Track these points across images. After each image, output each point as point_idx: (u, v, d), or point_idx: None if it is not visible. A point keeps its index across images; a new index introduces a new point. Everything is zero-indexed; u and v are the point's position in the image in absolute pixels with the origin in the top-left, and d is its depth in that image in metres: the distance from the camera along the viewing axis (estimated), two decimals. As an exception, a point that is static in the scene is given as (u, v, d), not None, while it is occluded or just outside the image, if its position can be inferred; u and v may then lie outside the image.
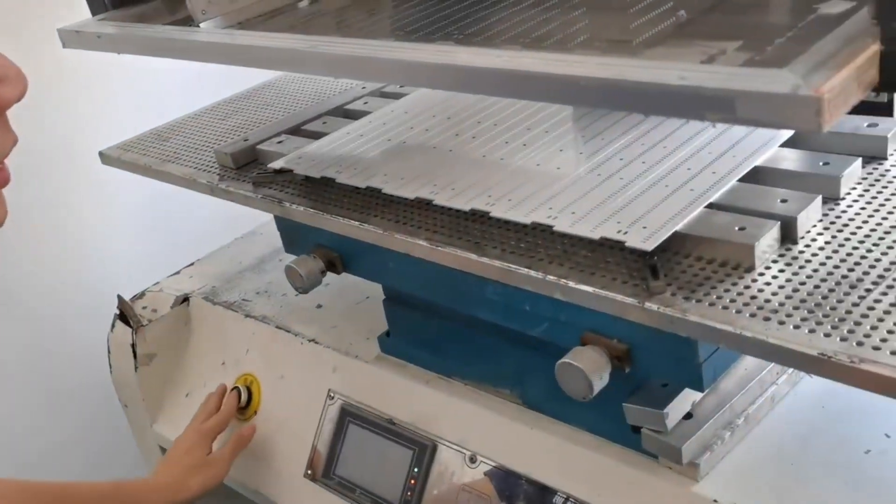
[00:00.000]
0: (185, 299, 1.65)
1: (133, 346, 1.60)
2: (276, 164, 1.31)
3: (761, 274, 0.87)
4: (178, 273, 1.74)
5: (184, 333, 1.64)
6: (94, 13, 1.39)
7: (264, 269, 1.69)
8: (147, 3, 1.38)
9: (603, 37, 0.99)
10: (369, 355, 1.36)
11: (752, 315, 0.82)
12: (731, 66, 0.70)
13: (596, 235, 0.95)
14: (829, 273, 0.86)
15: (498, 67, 0.83)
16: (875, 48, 0.65)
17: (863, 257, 0.87)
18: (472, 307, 1.12)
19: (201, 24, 1.30)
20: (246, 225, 1.82)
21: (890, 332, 0.76)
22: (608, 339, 0.95)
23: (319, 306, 1.52)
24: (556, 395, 0.98)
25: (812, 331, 0.78)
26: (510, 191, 1.08)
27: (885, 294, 0.81)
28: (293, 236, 1.33)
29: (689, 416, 1.00)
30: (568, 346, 0.97)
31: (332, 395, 1.36)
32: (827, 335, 0.77)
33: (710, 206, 0.97)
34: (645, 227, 0.94)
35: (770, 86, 0.64)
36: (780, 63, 0.66)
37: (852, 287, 0.83)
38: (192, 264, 1.77)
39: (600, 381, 0.92)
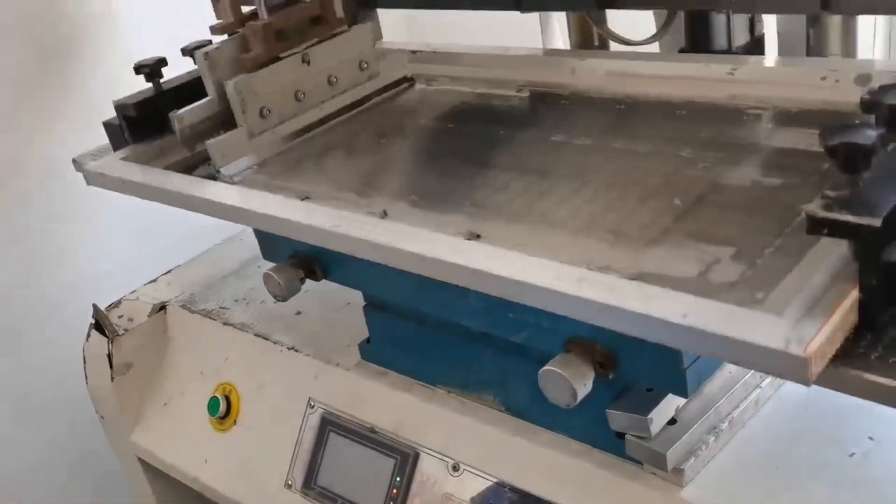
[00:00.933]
0: (162, 307, 1.62)
1: (109, 356, 1.57)
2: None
3: (745, 278, 0.87)
4: (155, 281, 1.72)
5: (161, 342, 1.62)
6: (115, 148, 1.43)
7: (245, 274, 1.67)
8: (165, 137, 1.40)
9: (606, 224, 1.02)
10: (350, 363, 1.34)
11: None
12: (729, 305, 0.75)
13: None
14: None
15: (509, 277, 0.87)
16: (855, 295, 0.72)
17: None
18: (455, 314, 1.11)
19: (222, 169, 1.34)
20: (230, 228, 1.78)
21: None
22: (592, 345, 0.93)
23: (299, 313, 1.50)
24: (539, 401, 0.97)
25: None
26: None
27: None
28: (270, 243, 1.31)
29: (673, 421, 0.99)
30: (551, 353, 0.96)
31: (312, 403, 1.34)
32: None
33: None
34: (627, 232, 0.93)
35: (764, 338, 0.70)
36: (775, 302, 0.75)
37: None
38: (169, 271, 1.74)
39: (584, 389, 0.91)
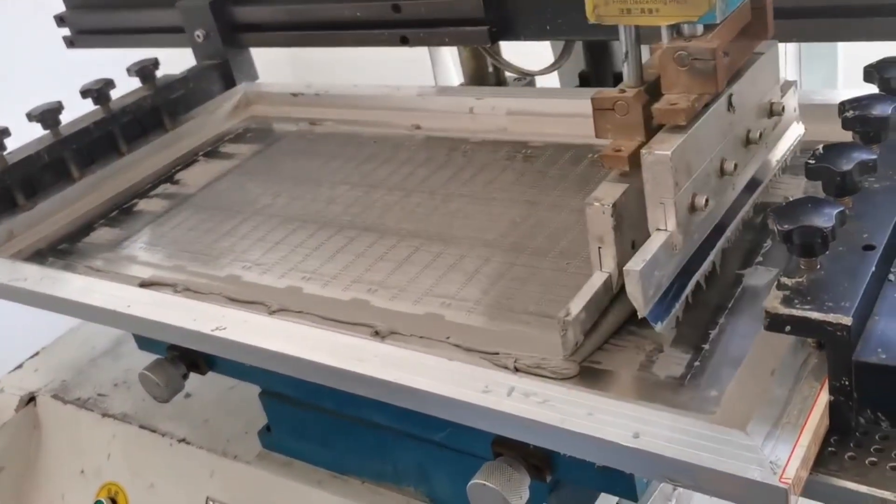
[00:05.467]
0: (31, 399, 1.44)
1: (-27, 461, 1.39)
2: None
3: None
4: (20, 367, 1.53)
5: (33, 439, 1.44)
6: None
7: (120, 353, 1.50)
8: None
9: (533, 306, 0.90)
10: (250, 454, 1.20)
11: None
12: (683, 417, 0.66)
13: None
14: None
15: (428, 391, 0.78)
16: (825, 399, 0.65)
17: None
18: (363, 412, 0.99)
19: None
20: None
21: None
22: (523, 446, 0.82)
23: (188, 395, 1.34)
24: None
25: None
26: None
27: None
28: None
29: (617, 510, 0.90)
30: (478, 452, 0.85)
31: (211, 503, 1.20)
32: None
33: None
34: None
35: (732, 464, 0.61)
36: (732, 407, 0.68)
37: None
38: (36, 354, 1.55)
39: (520, 500, 0.80)
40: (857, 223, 0.70)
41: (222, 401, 1.32)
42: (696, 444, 0.63)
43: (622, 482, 0.82)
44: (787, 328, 0.63)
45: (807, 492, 0.64)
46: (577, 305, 0.76)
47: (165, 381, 1.08)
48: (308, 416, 1.12)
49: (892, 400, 0.63)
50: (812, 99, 1.05)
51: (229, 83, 1.60)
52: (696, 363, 0.76)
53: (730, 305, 0.82)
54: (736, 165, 0.83)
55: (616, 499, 0.90)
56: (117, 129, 1.43)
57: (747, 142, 0.87)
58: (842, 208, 0.66)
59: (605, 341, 0.80)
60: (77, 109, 1.44)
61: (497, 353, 0.82)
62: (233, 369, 1.10)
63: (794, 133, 0.96)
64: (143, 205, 1.35)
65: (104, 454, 1.34)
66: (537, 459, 0.83)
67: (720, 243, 0.84)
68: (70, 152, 1.37)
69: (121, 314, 1.00)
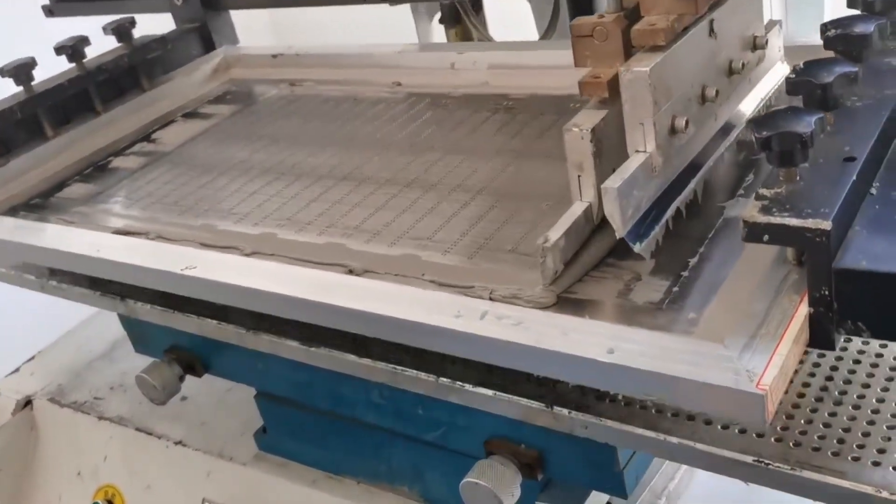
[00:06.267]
0: (28, 403, 1.45)
1: (-30, 464, 1.39)
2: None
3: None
4: (17, 371, 1.53)
5: (30, 442, 1.44)
6: None
7: (116, 357, 1.50)
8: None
9: (510, 244, 0.88)
10: (246, 455, 1.21)
11: (675, 414, 0.72)
12: (658, 334, 0.66)
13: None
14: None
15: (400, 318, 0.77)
16: (804, 311, 0.62)
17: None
18: (358, 411, 1.00)
19: None
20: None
21: (826, 425, 0.69)
22: (515, 446, 0.84)
23: (184, 398, 1.35)
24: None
25: (743, 431, 0.70)
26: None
27: (812, 376, 0.74)
28: (142, 336, 1.17)
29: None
30: (470, 451, 0.86)
31: (207, 504, 1.21)
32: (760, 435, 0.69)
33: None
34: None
35: (708, 373, 0.60)
36: (710, 325, 0.65)
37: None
38: (32, 358, 1.56)
39: (511, 499, 0.81)
40: (838, 138, 0.68)
41: (218, 403, 1.33)
42: (671, 357, 0.63)
43: (612, 479, 0.83)
44: (766, 237, 0.61)
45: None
46: (556, 232, 0.75)
47: (162, 383, 1.08)
48: (303, 417, 1.13)
49: (873, 308, 0.60)
50: (797, 41, 1.04)
51: (209, 47, 1.59)
52: (675, 289, 0.75)
53: (711, 235, 0.80)
54: (718, 92, 0.82)
55: (606, 497, 0.91)
56: (93, 87, 1.40)
57: (730, 72, 0.86)
58: (822, 115, 0.64)
59: (584, 274, 0.78)
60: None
61: (472, 287, 0.80)
62: (229, 371, 1.11)
63: (778, 73, 0.96)
64: (118, 162, 1.33)
65: (101, 456, 1.35)
66: (529, 458, 0.84)
67: (702, 172, 0.83)
68: (44, 109, 1.34)
69: (90, 258, 0.99)
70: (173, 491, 1.26)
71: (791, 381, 0.72)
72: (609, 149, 0.77)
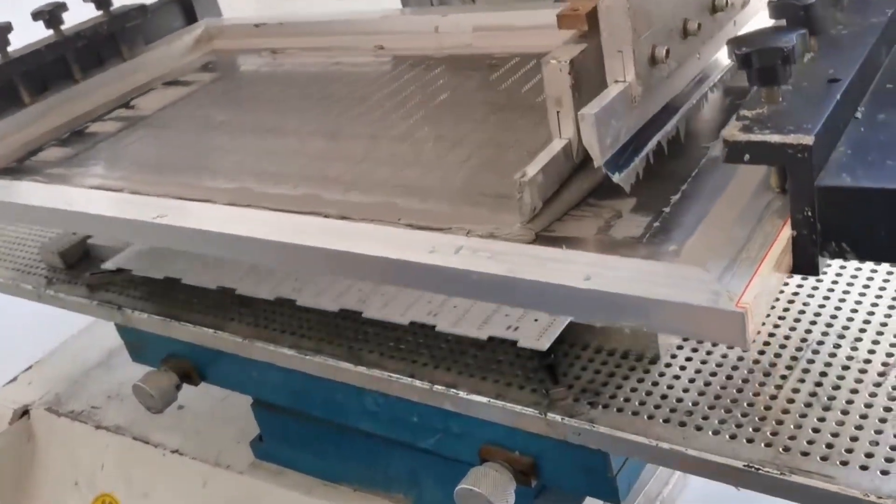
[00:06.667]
0: (25, 412, 1.45)
1: (-33, 474, 1.40)
2: (112, 264, 1.15)
3: (668, 365, 0.79)
4: (14, 380, 1.54)
5: (27, 451, 1.45)
6: None
7: (113, 365, 1.51)
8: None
9: (489, 189, 0.87)
10: (243, 463, 1.22)
11: (666, 420, 0.74)
12: (637, 260, 0.64)
13: (484, 335, 0.85)
14: (740, 359, 0.78)
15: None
16: (787, 234, 0.60)
17: (770, 335, 0.80)
18: (353, 419, 1.00)
19: None
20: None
21: (815, 430, 0.70)
22: (509, 452, 0.85)
23: (181, 407, 1.36)
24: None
25: (733, 436, 0.71)
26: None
27: (801, 381, 0.75)
28: (139, 346, 1.18)
29: (602, 512, 0.92)
30: (464, 458, 0.87)
31: (204, 512, 1.21)
32: (750, 440, 0.70)
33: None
34: (536, 320, 0.85)
35: (687, 294, 0.58)
36: (691, 253, 0.63)
37: (766, 375, 0.76)
38: (29, 368, 1.57)
39: (506, 505, 0.82)
40: (822, 63, 0.67)
41: (215, 411, 1.33)
42: (650, 281, 0.62)
43: (605, 485, 0.83)
44: (747, 157, 0.59)
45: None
46: (534, 167, 0.74)
47: (159, 392, 1.09)
48: (299, 425, 1.14)
49: (857, 228, 0.58)
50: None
51: (192, 19, 1.57)
52: (657, 224, 0.74)
53: (694, 174, 0.79)
54: (700, 26, 0.78)
55: (600, 502, 0.92)
56: (71, 54, 1.37)
57: (713, 9, 0.83)
58: (804, 31, 0.62)
59: (564, 213, 0.77)
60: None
61: (450, 228, 0.78)
62: (225, 380, 1.12)
63: (764, 19, 0.95)
64: (95, 127, 1.33)
65: (98, 465, 1.35)
66: (523, 465, 0.85)
67: (685, 109, 0.81)
68: (20, 75, 1.32)
69: (62, 211, 0.99)
70: (170, 499, 1.26)
71: (780, 388, 0.74)
72: (589, 85, 0.75)
